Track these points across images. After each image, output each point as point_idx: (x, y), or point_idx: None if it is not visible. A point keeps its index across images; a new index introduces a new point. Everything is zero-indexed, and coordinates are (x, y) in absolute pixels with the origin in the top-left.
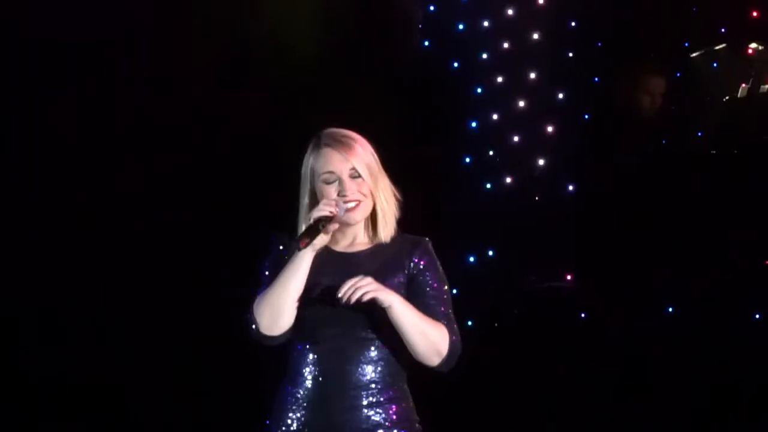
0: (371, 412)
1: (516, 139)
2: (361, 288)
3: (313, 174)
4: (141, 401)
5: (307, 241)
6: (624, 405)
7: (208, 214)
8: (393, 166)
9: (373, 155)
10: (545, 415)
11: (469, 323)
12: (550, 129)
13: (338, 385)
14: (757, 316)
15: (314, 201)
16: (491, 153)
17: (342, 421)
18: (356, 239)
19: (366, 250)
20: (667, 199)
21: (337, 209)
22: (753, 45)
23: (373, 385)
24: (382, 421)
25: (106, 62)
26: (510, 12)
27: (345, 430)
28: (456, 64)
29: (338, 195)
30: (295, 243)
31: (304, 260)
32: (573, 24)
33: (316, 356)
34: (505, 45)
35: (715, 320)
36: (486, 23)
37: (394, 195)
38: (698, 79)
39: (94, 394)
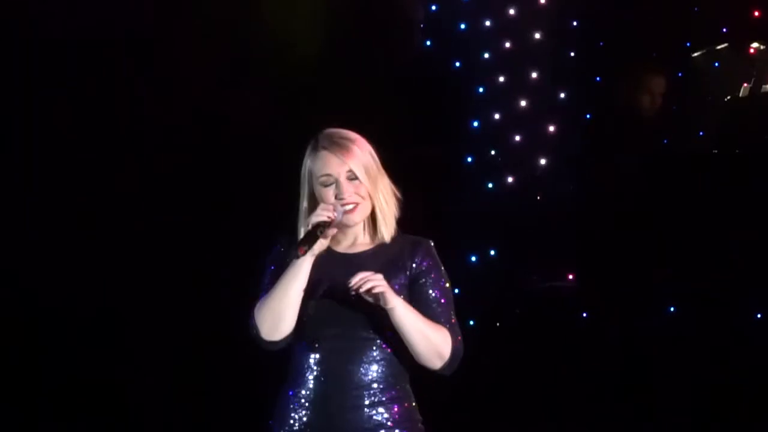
0: (373, 412)
1: (517, 138)
2: (372, 281)
3: (311, 176)
4: (141, 401)
5: (305, 248)
6: (624, 405)
7: (208, 214)
8: (394, 166)
9: (371, 155)
10: (546, 415)
11: (471, 323)
12: (551, 129)
13: (340, 385)
14: (759, 315)
15: (313, 203)
16: (493, 153)
17: (344, 421)
18: (357, 240)
19: (368, 250)
20: (668, 198)
21: (335, 213)
22: (754, 44)
23: (375, 385)
24: (384, 421)
25: (106, 62)
26: (512, 12)
27: (347, 430)
28: (457, 64)
29: (336, 198)
30: (294, 250)
31: (304, 266)
32: (575, 24)
33: (317, 356)
34: (507, 45)
35: (716, 320)
36: (488, 23)
37: (395, 194)
38: (700, 79)
39: (94, 394)
